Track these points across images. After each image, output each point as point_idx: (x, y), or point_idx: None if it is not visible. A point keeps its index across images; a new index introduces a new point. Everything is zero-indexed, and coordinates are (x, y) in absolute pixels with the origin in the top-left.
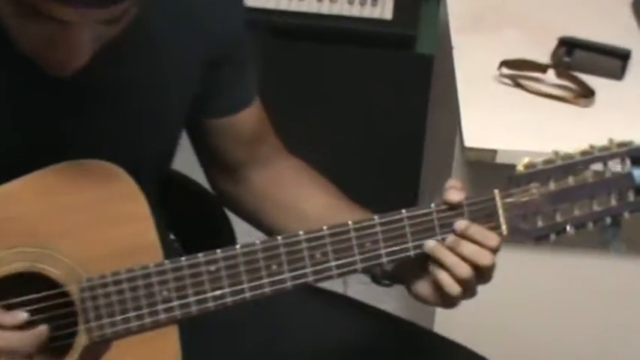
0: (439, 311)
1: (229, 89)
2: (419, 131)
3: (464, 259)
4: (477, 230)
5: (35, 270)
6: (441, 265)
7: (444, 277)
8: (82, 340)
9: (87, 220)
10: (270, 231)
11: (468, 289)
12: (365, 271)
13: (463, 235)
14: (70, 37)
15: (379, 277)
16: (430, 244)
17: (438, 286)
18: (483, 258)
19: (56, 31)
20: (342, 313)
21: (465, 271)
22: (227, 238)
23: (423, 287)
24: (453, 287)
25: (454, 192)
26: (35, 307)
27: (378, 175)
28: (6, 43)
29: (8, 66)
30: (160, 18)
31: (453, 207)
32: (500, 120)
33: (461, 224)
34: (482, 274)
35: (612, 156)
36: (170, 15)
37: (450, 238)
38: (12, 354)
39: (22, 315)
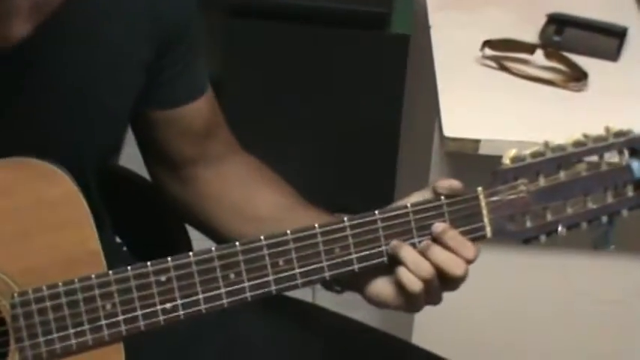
0: (417, 321)
1: (179, 78)
2: (394, 119)
3: (435, 266)
4: (454, 236)
5: None
6: (402, 263)
7: (403, 272)
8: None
9: (18, 228)
10: (222, 238)
11: (432, 293)
12: (332, 279)
13: (438, 240)
14: (4, 4)
15: (329, 283)
16: (392, 244)
17: (399, 285)
18: (456, 268)
19: None
20: (308, 324)
21: (425, 269)
22: (181, 242)
23: (382, 287)
24: (414, 284)
25: (446, 181)
26: None
27: (350, 169)
28: None
29: None
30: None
31: (456, 192)
32: (484, 106)
33: (437, 227)
34: (451, 283)
35: (609, 147)
36: None
37: (423, 242)
38: None
39: None
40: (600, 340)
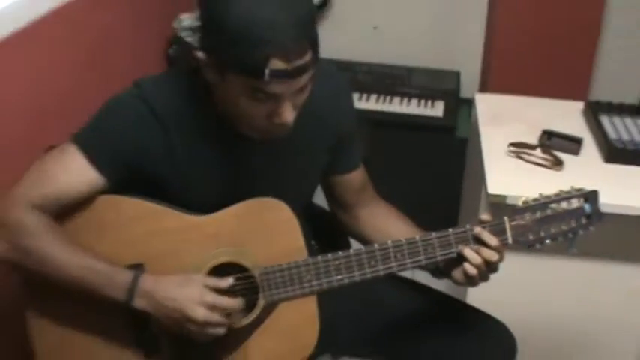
0: (469, 294)
1: (346, 158)
2: (458, 185)
3: (482, 258)
4: (486, 234)
5: (235, 261)
6: (465, 259)
7: (466, 264)
8: (261, 302)
9: (264, 234)
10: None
11: (482, 275)
12: (427, 265)
13: (485, 243)
14: (285, 105)
15: (436, 273)
16: (461, 248)
17: (464, 272)
18: (492, 256)
19: (274, 106)
20: (410, 289)
21: (477, 260)
22: (345, 245)
23: (458, 275)
24: (472, 270)
25: (486, 214)
26: (237, 282)
27: (432, 210)
28: (221, 126)
29: (222, 142)
30: (305, 115)
31: (484, 222)
32: (509, 178)
33: (478, 229)
34: (492, 267)
35: (573, 196)
36: (310, 113)
37: (475, 245)
38: (224, 310)
39: (230, 280)
40: (579, 301)
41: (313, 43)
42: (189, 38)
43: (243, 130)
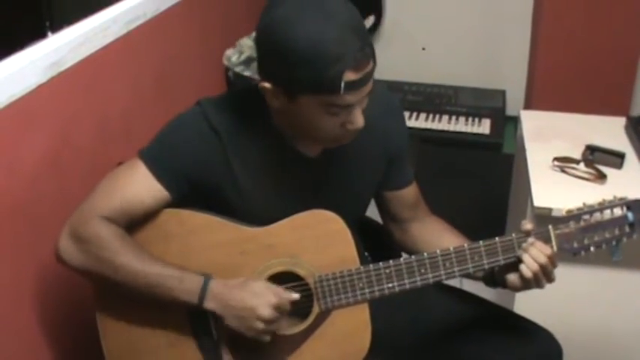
0: (516, 303)
1: (398, 174)
2: (504, 199)
3: (532, 258)
4: (540, 244)
5: (290, 270)
6: (522, 262)
7: (523, 268)
8: (315, 309)
9: (318, 244)
10: None
11: (538, 281)
12: (473, 274)
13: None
14: (357, 112)
15: (490, 283)
16: (523, 246)
17: (521, 277)
18: (542, 258)
19: (348, 114)
20: (458, 298)
21: (533, 265)
22: (396, 256)
23: (513, 279)
24: (527, 272)
25: (528, 224)
26: (293, 290)
27: (480, 222)
28: (278, 143)
29: (279, 158)
30: (359, 134)
31: (527, 232)
32: (554, 191)
33: (531, 239)
34: (546, 273)
35: (616, 205)
36: (364, 131)
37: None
38: (280, 307)
39: (296, 295)
40: (610, 313)
41: (373, 50)
42: (246, 72)
43: (300, 146)
